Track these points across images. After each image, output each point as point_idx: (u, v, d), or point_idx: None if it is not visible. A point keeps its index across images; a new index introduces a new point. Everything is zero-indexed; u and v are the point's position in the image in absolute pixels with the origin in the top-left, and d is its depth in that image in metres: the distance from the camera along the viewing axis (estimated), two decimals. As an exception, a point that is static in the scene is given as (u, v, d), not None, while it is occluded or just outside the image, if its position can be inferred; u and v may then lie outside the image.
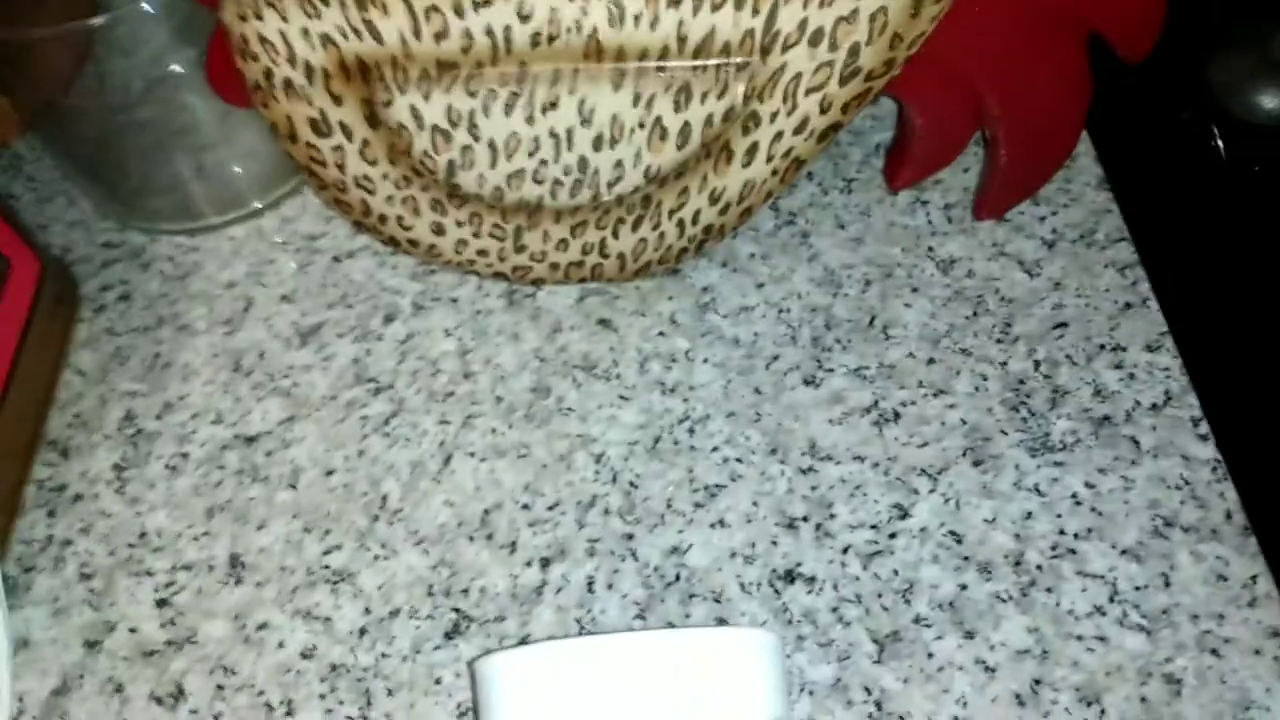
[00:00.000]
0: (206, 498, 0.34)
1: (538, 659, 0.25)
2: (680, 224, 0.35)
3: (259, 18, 0.31)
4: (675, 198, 0.34)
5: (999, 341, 0.35)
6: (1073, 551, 0.31)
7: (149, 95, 0.38)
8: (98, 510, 0.35)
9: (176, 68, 0.37)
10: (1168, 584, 0.30)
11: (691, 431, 0.34)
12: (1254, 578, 0.30)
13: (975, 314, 0.36)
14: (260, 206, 0.41)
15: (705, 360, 0.36)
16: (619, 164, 0.34)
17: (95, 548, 0.34)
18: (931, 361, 0.35)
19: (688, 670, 0.24)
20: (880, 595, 0.31)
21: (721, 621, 0.31)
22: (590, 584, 0.31)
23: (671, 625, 0.31)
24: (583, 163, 0.33)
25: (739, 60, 0.31)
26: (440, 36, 0.31)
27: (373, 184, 0.34)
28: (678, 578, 0.31)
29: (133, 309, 0.39)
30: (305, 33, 0.31)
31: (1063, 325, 0.35)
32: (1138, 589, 0.30)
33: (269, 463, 0.35)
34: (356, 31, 0.31)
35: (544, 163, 0.34)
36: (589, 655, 0.25)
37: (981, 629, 0.30)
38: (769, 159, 0.34)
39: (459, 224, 0.35)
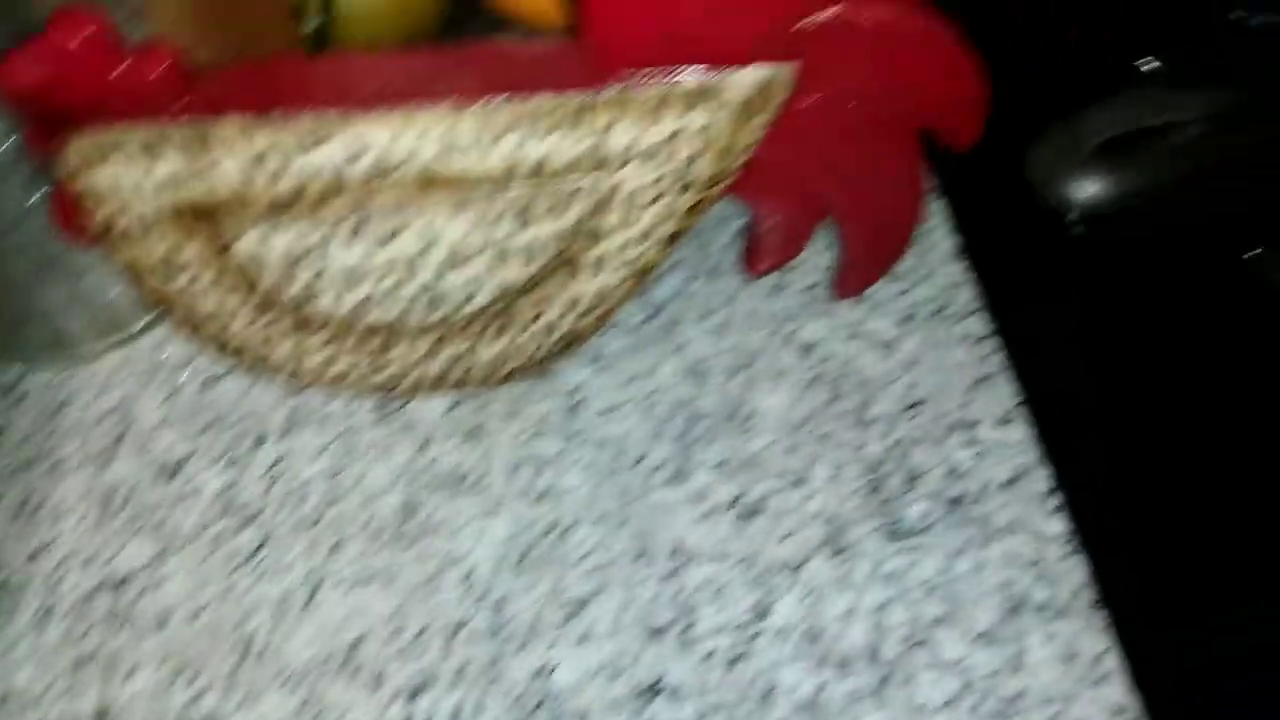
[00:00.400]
0: (74, 648, 0.34)
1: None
2: (542, 330, 0.36)
3: (98, 167, 0.31)
4: (533, 308, 0.35)
5: (856, 425, 0.36)
6: (926, 641, 0.32)
7: (22, 223, 0.38)
8: (-38, 670, 0.34)
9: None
10: (1019, 668, 0.31)
11: (560, 540, 0.35)
12: (1102, 654, 0.31)
13: (834, 398, 0.37)
14: (138, 329, 0.41)
15: (575, 462, 0.36)
16: (470, 282, 0.34)
17: (-42, 713, 0.34)
18: (791, 450, 0.36)
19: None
20: (742, 702, 0.31)
21: (585, 742, 0.31)
22: (456, 714, 0.32)
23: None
24: (434, 284, 0.34)
25: (576, 180, 0.32)
26: (277, 177, 0.32)
27: (228, 316, 0.35)
28: (543, 701, 0.32)
29: (4, 449, 0.39)
30: (144, 180, 0.31)
31: (918, 404, 0.36)
32: (989, 675, 0.31)
33: (138, 605, 0.35)
34: (195, 176, 0.31)
35: (396, 285, 0.34)
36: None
37: (839, 729, 0.31)
38: (619, 267, 0.34)
39: (320, 346, 0.36)
